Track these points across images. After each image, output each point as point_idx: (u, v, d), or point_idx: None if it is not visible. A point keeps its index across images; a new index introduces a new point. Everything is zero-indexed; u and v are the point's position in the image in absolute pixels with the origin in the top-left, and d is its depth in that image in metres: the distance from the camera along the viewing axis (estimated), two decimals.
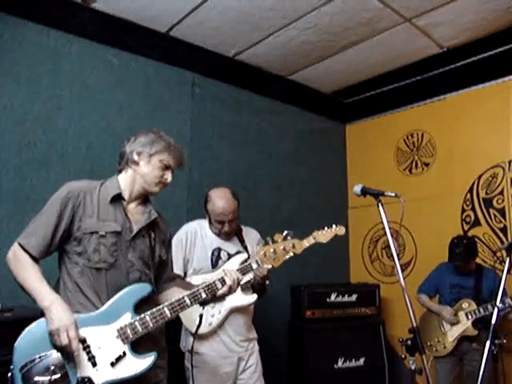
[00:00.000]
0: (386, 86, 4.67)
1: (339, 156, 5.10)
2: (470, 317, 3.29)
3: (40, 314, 1.70)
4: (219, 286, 1.99)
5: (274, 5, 3.29)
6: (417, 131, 4.53)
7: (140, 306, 1.81)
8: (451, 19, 3.50)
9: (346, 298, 4.03)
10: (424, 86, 4.44)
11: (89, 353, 1.68)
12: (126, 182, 1.96)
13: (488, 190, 3.92)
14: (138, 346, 1.77)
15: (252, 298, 2.69)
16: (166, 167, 1.97)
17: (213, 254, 2.70)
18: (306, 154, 4.67)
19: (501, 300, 2.95)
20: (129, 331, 1.74)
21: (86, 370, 1.66)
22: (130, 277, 1.84)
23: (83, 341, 1.68)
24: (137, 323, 1.75)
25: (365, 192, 2.11)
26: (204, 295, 1.94)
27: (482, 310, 3.24)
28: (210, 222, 2.74)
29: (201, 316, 2.42)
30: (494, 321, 2.55)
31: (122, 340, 1.73)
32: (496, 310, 2.58)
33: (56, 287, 1.82)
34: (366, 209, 4.39)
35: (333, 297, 4.00)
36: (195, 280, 2.60)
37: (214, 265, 2.67)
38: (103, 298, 1.79)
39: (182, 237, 2.72)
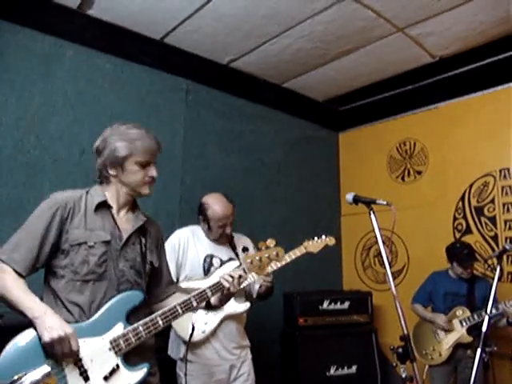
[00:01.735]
0: (378, 94, 4.71)
1: (332, 164, 5.12)
2: (464, 324, 3.30)
3: (28, 322, 1.56)
4: (209, 294, 1.94)
5: (268, 13, 3.31)
6: (409, 139, 4.56)
7: (132, 315, 1.73)
8: (443, 29, 3.54)
9: (338, 306, 4.03)
10: (416, 95, 4.48)
11: (81, 367, 1.58)
12: (110, 192, 1.85)
13: (479, 199, 3.95)
14: (129, 356, 1.69)
15: (245, 305, 2.69)
16: (145, 165, 1.83)
17: (205, 260, 2.69)
18: (299, 162, 4.69)
19: (493, 306, 2.98)
20: (122, 343, 1.65)
21: None
22: (120, 288, 1.75)
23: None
24: (130, 334, 1.67)
25: (357, 200, 2.12)
26: (195, 303, 1.88)
27: (476, 316, 3.26)
28: (209, 229, 2.72)
29: (193, 324, 2.41)
30: (484, 329, 2.56)
31: (116, 352, 1.64)
32: (487, 318, 2.59)
33: None
34: (359, 216, 4.37)
35: (325, 304, 3.99)
36: (187, 287, 2.60)
37: (207, 272, 2.66)
38: (90, 312, 1.68)
39: (174, 242, 2.70)
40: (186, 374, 2.41)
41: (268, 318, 3.95)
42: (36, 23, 3.11)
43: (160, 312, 1.77)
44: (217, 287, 1.97)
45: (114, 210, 1.84)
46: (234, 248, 2.78)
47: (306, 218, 4.47)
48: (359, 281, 4.75)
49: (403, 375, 1.94)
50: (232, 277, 2.00)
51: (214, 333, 2.59)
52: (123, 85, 3.50)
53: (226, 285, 1.97)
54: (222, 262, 2.70)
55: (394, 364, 1.91)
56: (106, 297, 1.72)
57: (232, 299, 2.57)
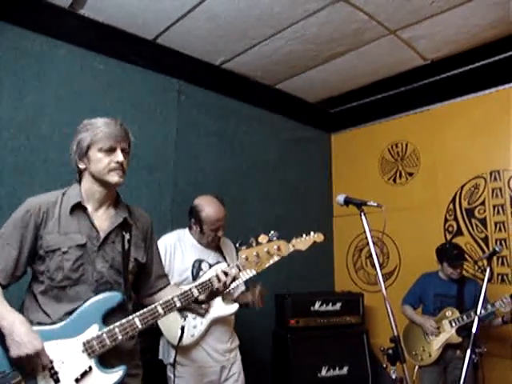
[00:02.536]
0: (371, 96, 4.73)
1: (324, 165, 5.13)
2: (453, 324, 3.32)
3: None
4: (195, 293, 1.87)
5: (261, 14, 3.31)
6: (401, 141, 4.58)
7: (110, 317, 1.69)
8: (435, 32, 3.57)
9: (330, 307, 4.04)
10: (408, 97, 4.51)
11: (51, 369, 1.56)
12: (85, 189, 1.81)
13: (470, 201, 3.98)
14: (106, 358, 1.66)
15: (233, 307, 2.67)
16: (109, 151, 1.77)
17: (193, 266, 2.67)
18: (291, 163, 4.69)
19: (483, 307, 3.02)
20: (96, 344, 1.62)
21: None
22: (99, 290, 1.72)
23: None
24: (104, 336, 1.63)
25: (348, 202, 2.13)
26: (178, 304, 1.81)
27: (465, 317, 3.28)
28: (202, 232, 2.70)
29: (182, 328, 2.41)
30: (474, 330, 2.58)
31: (88, 354, 1.61)
32: (476, 319, 2.62)
33: (20, 309, 1.70)
34: (351, 218, 4.37)
35: (317, 305, 4.00)
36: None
37: (195, 277, 2.65)
38: (68, 313, 1.67)
39: (160, 250, 2.68)
40: (175, 376, 2.42)
41: (259, 319, 3.95)
42: (28, 22, 3.08)
43: (138, 313, 1.72)
44: (204, 286, 1.90)
45: (91, 209, 1.80)
46: (221, 252, 2.78)
47: (298, 219, 4.48)
48: (351, 282, 4.76)
49: (393, 376, 1.95)
50: (226, 274, 1.93)
51: (203, 336, 2.58)
52: (116, 85, 3.49)
53: (216, 285, 1.91)
54: (211, 266, 2.69)
55: (385, 365, 1.93)
56: (84, 300, 1.69)
57: (220, 302, 2.59)
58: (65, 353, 1.59)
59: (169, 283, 2.05)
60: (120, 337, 1.65)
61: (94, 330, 1.65)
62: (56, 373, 1.56)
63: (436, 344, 3.38)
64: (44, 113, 3.10)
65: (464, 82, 4.10)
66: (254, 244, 2.00)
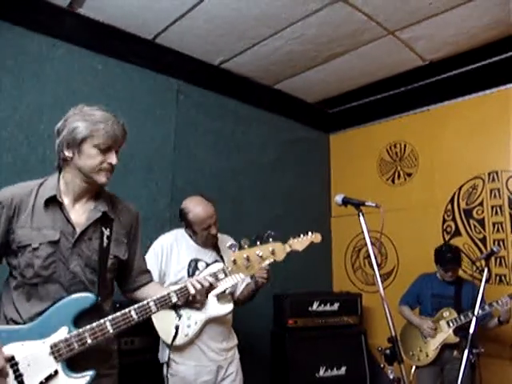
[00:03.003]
0: (369, 96, 4.73)
1: (323, 165, 5.13)
2: (451, 325, 3.32)
3: None
4: (174, 299, 1.77)
5: (259, 14, 3.31)
6: (399, 142, 4.59)
7: (83, 319, 1.61)
8: (433, 33, 3.57)
9: (328, 307, 4.04)
10: (407, 98, 4.51)
11: (16, 371, 1.50)
12: (66, 180, 1.70)
13: (468, 201, 3.98)
14: (77, 360, 1.58)
15: (228, 307, 2.66)
16: (105, 150, 1.66)
17: (190, 265, 2.66)
18: (289, 163, 4.70)
19: (480, 307, 3.02)
20: (63, 348, 1.54)
21: None
22: (71, 289, 1.63)
23: (11, 358, 1.50)
24: (73, 339, 1.55)
25: (346, 202, 2.14)
26: (154, 309, 1.71)
27: (462, 317, 3.28)
28: (195, 233, 2.70)
29: (177, 327, 2.41)
30: (472, 330, 2.58)
31: (55, 357, 1.54)
32: (474, 319, 2.62)
33: None
34: (349, 218, 4.37)
35: (315, 305, 4.00)
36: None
37: (191, 276, 2.63)
38: (37, 314, 1.60)
39: (157, 250, 2.68)
40: (171, 375, 2.42)
41: (257, 319, 3.95)
42: (27, 22, 3.08)
43: (111, 317, 1.63)
44: (182, 292, 1.80)
45: (68, 202, 1.70)
46: (218, 251, 2.77)
47: (296, 219, 4.48)
48: (349, 282, 4.77)
49: (391, 376, 1.95)
50: (201, 284, 1.82)
51: (198, 335, 2.58)
52: (114, 85, 3.49)
53: (192, 291, 1.80)
54: (208, 266, 2.69)
55: (382, 365, 1.93)
56: (54, 299, 1.62)
57: (215, 301, 2.59)
58: (31, 355, 1.53)
59: (152, 279, 1.97)
60: (89, 341, 1.57)
61: (62, 333, 1.57)
62: (21, 375, 1.51)
63: (433, 344, 3.38)
64: (42, 112, 3.10)
65: (462, 83, 4.10)
66: (245, 246, 1.88)
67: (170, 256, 2.68)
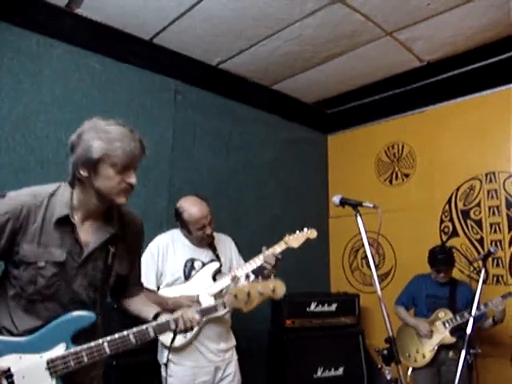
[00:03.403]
0: (367, 97, 4.74)
1: (320, 166, 5.13)
2: (447, 325, 3.32)
3: None
4: (172, 326, 1.73)
5: (257, 15, 3.31)
6: (397, 143, 4.59)
7: (81, 337, 1.59)
8: (431, 34, 3.58)
9: (325, 308, 4.03)
10: (405, 99, 4.52)
11: (11, 383, 1.48)
12: (79, 198, 1.63)
13: (466, 202, 3.99)
14: (71, 375, 1.56)
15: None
16: (122, 170, 1.58)
17: (185, 265, 2.66)
18: (287, 164, 4.70)
19: (477, 307, 3.03)
20: (60, 365, 1.53)
21: None
22: (70, 307, 1.60)
23: (7, 370, 1.47)
24: (70, 357, 1.54)
25: (343, 202, 2.14)
26: (152, 334, 1.68)
27: (458, 317, 3.27)
28: (190, 233, 2.69)
29: None
30: (469, 330, 2.59)
31: (51, 373, 1.52)
32: (471, 319, 2.62)
33: None
34: (347, 218, 4.39)
35: (313, 306, 4.00)
36: (166, 292, 2.59)
37: (187, 276, 2.64)
38: (32, 329, 1.57)
39: (153, 251, 2.67)
40: (169, 376, 2.41)
41: (255, 320, 3.94)
42: (24, 21, 3.08)
43: (109, 338, 1.61)
44: (161, 327, 1.73)
45: (78, 220, 1.63)
46: (214, 250, 2.76)
47: (294, 219, 4.46)
48: (347, 283, 4.77)
49: (388, 377, 1.95)
50: (187, 321, 1.77)
51: (196, 336, 2.57)
52: (112, 85, 3.48)
53: (173, 327, 1.73)
54: (204, 265, 2.69)
55: (379, 366, 1.93)
56: (53, 316, 1.59)
57: (212, 301, 2.59)
58: (27, 368, 1.51)
59: (142, 293, 1.94)
60: (86, 360, 1.55)
61: (60, 349, 1.56)
62: None
63: (430, 345, 3.38)
64: (40, 112, 3.10)
65: (460, 84, 4.11)
66: (246, 282, 1.94)
67: (166, 256, 2.67)
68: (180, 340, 2.50)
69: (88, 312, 1.62)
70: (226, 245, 2.88)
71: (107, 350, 1.58)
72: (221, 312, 1.92)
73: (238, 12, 3.28)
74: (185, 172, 3.82)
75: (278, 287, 1.95)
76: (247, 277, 2.69)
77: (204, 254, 2.73)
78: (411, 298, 3.62)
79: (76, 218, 1.63)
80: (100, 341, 1.59)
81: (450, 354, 3.32)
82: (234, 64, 4.06)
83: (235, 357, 2.77)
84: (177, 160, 3.78)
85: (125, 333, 1.63)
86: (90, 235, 1.65)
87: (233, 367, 2.71)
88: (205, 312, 1.88)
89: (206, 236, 2.68)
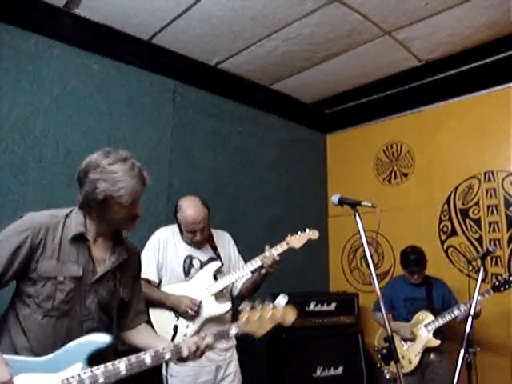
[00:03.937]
0: (366, 97, 4.75)
1: (319, 165, 5.14)
2: (429, 328, 3.30)
3: None
4: (167, 356, 1.70)
5: (255, 15, 3.32)
6: (396, 142, 4.60)
7: (97, 358, 1.60)
8: (429, 33, 3.58)
9: (324, 307, 4.04)
10: (403, 98, 4.52)
11: None
12: (91, 220, 1.73)
13: (464, 201, 4.00)
14: None
15: (226, 306, 2.65)
16: (128, 205, 1.68)
17: (185, 261, 2.65)
18: (286, 163, 4.70)
19: (455, 306, 3.04)
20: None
21: None
22: (84, 326, 1.67)
23: None
24: (85, 377, 1.53)
25: (342, 202, 2.13)
26: (168, 356, 1.69)
27: (440, 319, 3.27)
28: (181, 231, 2.69)
29: (175, 327, 2.41)
30: (468, 329, 2.59)
31: None
32: (470, 318, 2.62)
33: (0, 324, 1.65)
34: (346, 218, 4.37)
35: (312, 305, 4.01)
36: (169, 289, 2.60)
37: (187, 273, 2.64)
38: (48, 347, 1.59)
39: (154, 242, 2.68)
40: (170, 375, 2.41)
41: None
42: (23, 22, 3.07)
43: (126, 359, 1.61)
44: (177, 352, 1.73)
45: (91, 238, 1.73)
46: (214, 248, 2.75)
47: (293, 219, 4.48)
48: (346, 282, 4.77)
49: (387, 376, 1.96)
50: (197, 347, 1.75)
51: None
52: (111, 85, 3.48)
53: (185, 353, 1.72)
54: (202, 263, 2.68)
55: (379, 365, 1.93)
56: (67, 334, 1.63)
57: (213, 301, 2.59)
58: None
59: (143, 322, 1.95)
60: (101, 380, 1.55)
61: (76, 369, 1.57)
62: None
63: (415, 350, 3.33)
64: (39, 112, 3.09)
65: (458, 83, 4.12)
66: (259, 306, 1.91)
67: (167, 249, 2.67)
68: (181, 338, 2.49)
69: (105, 334, 1.66)
70: (224, 241, 2.87)
71: (123, 369, 1.59)
72: (233, 331, 1.89)
73: (237, 12, 3.28)
74: (184, 172, 3.82)
75: (288, 314, 1.97)
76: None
77: (203, 253, 2.73)
78: (388, 302, 3.53)
79: (89, 236, 1.73)
80: (116, 362, 1.59)
81: (431, 355, 3.31)
82: (233, 64, 4.07)
83: (236, 356, 2.77)
84: (176, 160, 3.78)
85: (141, 355, 1.64)
86: (101, 252, 1.75)
87: (234, 366, 2.71)
88: (218, 337, 1.86)
89: (194, 241, 2.65)
